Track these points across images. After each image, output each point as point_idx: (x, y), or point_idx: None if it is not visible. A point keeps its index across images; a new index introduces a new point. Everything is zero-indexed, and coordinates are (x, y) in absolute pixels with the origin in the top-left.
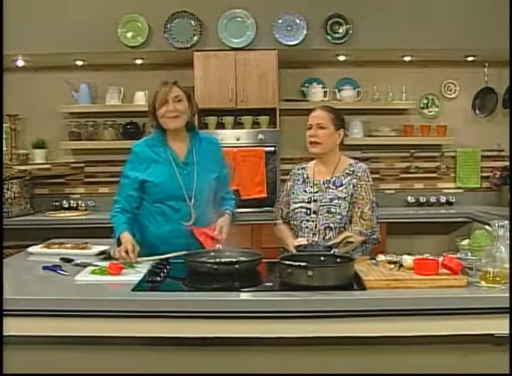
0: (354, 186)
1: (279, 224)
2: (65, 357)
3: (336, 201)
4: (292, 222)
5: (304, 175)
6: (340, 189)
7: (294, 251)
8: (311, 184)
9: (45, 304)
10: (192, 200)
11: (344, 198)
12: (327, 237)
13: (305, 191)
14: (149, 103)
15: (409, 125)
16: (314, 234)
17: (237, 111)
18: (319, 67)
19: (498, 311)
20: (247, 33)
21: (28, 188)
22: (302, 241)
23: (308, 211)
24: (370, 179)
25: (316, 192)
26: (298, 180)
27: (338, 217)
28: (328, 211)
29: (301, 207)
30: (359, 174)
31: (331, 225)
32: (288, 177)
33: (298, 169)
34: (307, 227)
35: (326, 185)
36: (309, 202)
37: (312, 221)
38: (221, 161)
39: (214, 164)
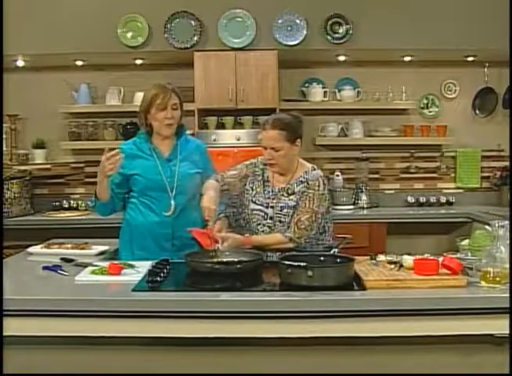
0: (302, 193)
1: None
2: (65, 357)
3: (286, 210)
4: (248, 223)
5: (265, 176)
6: (291, 197)
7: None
8: (270, 189)
9: (45, 304)
10: (174, 192)
11: (294, 207)
12: None
13: (264, 194)
14: (142, 103)
15: (409, 125)
16: None
17: (237, 111)
18: (319, 67)
19: (498, 311)
20: (247, 33)
21: (28, 188)
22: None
23: (265, 216)
24: (321, 189)
25: (273, 198)
26: (259, 176)
27: (288, 226)
28: (279, 221)
29: (260, 210)
30: (311, 182)
31: (286, 234)
32: (247, 163)
33: (261, 163)
34: (263, 231)
35: (280, 193)
36: (267, 207)
37: (268, 226)
38: (205, 161)
39: (197, 160)
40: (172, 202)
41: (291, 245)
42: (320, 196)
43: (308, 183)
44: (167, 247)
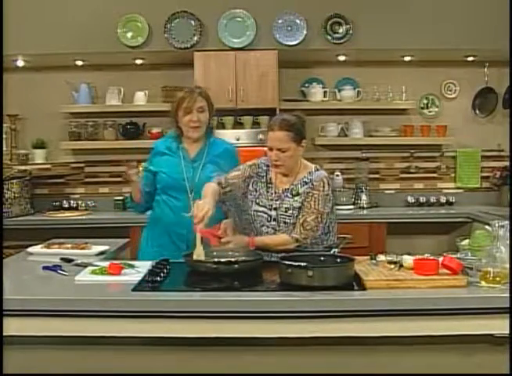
0: (306, 194)
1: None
2: (65, 357)
3: (290, 212)
4: (252, 224)
5: (268, 177)
6: (295, 198)
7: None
8: (273, 191)
9: (45, 304)
10: (193, 193)
11: (299, 208)
12: None
13: (268, 196)
14: (171, 107)
15: (409, 125)
16: None
17: (237, 111)
18: (319, 67)
19: (498, 311)
20: (247, 33)
21: (28, 188)
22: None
23: (269, 218)
24: (326, 189)
25: (277, 200)
26: (263, 178)
27: (293, 227)
28: (284, 222)
29: (264, 211)
30: (315, 183)
31: (292, 234)
32: (250, 163)
33: (264, 165)
34: (267, 233)
35: (284, 194)
36: (270, 209)
37: (273, 228)
38: (232, 165)
39: (222, 164)
40: (192, 203)
41: (293, 246)
42: (325, 196)
43: (312, 184)
44: (182, 247)
